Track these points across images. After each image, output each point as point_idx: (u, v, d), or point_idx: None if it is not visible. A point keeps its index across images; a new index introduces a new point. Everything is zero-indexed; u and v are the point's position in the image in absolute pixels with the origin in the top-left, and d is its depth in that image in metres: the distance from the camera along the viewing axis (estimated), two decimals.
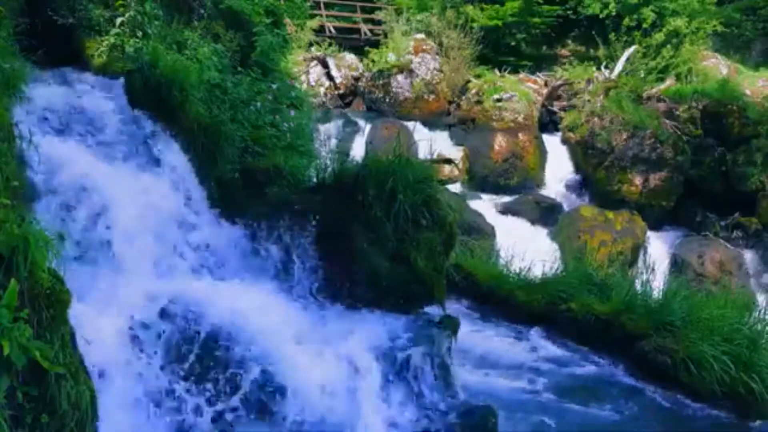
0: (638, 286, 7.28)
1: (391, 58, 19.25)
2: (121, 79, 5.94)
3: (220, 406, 4.18)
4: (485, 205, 16.08)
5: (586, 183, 17.43)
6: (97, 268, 4.57)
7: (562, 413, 5.54)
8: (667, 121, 16.86)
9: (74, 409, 3.19)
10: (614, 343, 6.63)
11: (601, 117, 17.06)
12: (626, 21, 20.15)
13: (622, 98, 17.14)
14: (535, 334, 7.15)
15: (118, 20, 6.13)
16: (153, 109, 5.78)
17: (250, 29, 7.82)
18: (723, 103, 16.98)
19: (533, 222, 15.94)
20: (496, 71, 19.62)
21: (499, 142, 17.45)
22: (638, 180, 16.78)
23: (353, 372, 4.66)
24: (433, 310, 5.62)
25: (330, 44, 20.72)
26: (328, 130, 15.91)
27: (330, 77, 20.05)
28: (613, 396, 5.97)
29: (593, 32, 20.54)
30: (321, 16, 21.39)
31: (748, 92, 17.62)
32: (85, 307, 3.93)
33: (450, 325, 5.36)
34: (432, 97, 19.24)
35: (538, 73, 20.47)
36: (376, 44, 20.59)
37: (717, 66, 19.93)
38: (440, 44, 19.77)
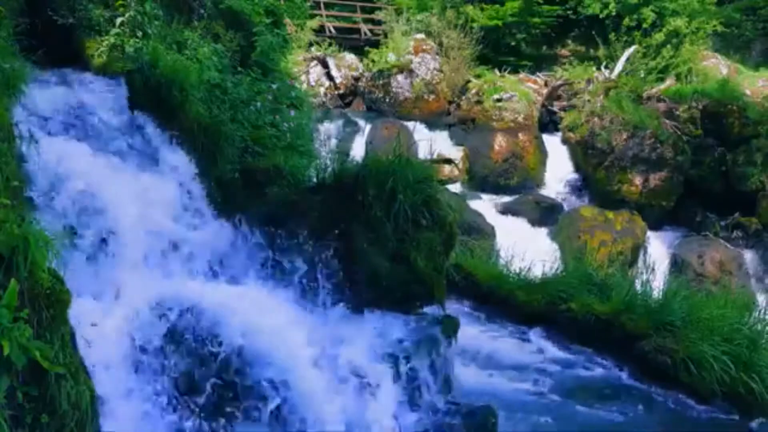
0: (638, 286, 7.28)
1: (391, 58, 19.25)
2: (121, 79, 5.93)
3: None
4: (485, 205, 16.08)
5: (586, 183, 17.43)
6: (98, 268, 4.57)
7: (568, 415, 5.54)
8: (667, 121, 16.86)
9: (74, 409, 3.19)
10: (614, 343, 6.63)
11: (601, 117, 17.06)
12: (626, 21, 20.16)
13: (622, 98, 17.14)
14: (535, 334, 7.15)
15: (118, 20, 6.11)
16: (153, 109, 5.77)
17: (250, 29, 7.81)
18: (723, 103, 16.99)
19: (533, 222, 15.93)
20: (496, 71, 19.62)
21: (499, 142, 17.45)
22: (638, 180, 16.78)
23: (359, 377, 4.65)
24: (433, 310, 5.62)
25: (330, 44, 20.73)
26: (328, 130, 15.93)
27: (330, 77, 20.05)
28: (619, 398, 5.96)
29: (593, 32, 20.54)
30: (321, 16, 21.38)
31: (748, 92, 17.63)
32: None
33: (450, 325, 5.36)
34: (432, 97, 19.24)
35: (538, 73, 20.47)
36: (376, 44, 20.59)
37: (717, 66, 19.94)
38: (440, 44, 19.77)
